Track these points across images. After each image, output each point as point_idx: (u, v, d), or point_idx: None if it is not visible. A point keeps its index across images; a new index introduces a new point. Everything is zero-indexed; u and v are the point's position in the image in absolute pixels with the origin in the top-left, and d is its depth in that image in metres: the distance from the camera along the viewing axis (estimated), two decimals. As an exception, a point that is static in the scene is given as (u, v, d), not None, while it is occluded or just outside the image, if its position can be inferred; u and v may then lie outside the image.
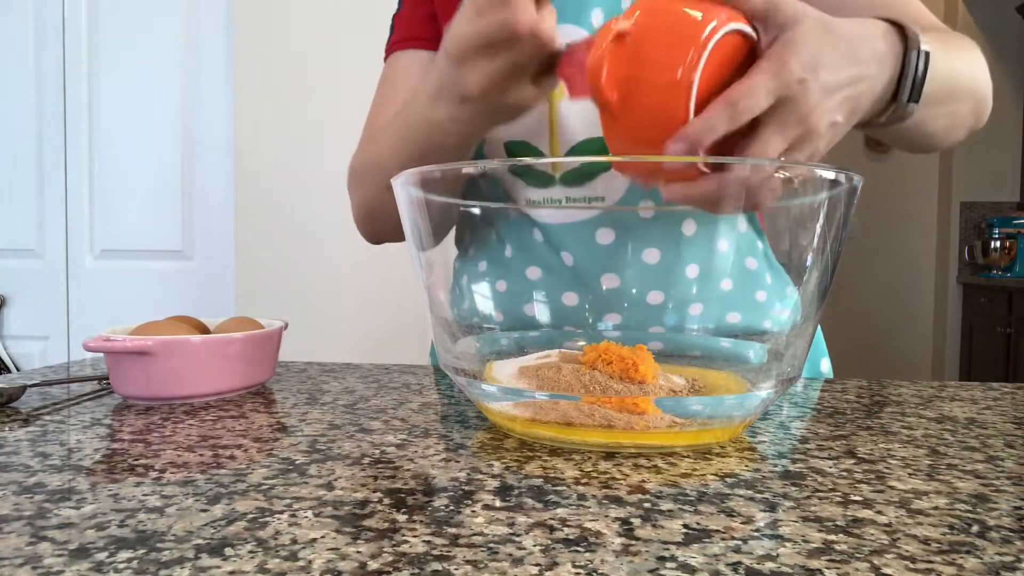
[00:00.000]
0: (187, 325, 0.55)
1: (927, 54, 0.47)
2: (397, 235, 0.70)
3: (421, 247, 0.45)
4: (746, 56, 0.42)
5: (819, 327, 0.71)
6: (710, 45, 0.39)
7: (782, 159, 0.42)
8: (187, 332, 0.53)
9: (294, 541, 0.27)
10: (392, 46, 0.73)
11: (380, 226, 0.70)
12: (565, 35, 0.59)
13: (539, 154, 0.61)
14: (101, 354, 0.72)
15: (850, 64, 0.43)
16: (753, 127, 0.41)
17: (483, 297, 0.61)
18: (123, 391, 0.51)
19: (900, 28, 0.47)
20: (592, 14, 0.59)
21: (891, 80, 0.46)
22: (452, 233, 0.52)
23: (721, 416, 0.39)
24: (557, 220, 0.58)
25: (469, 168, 0.42)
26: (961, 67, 0.55)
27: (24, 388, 0.52)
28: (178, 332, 0.53)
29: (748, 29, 0.42)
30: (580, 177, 0.58)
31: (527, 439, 0.41)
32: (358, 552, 0.26)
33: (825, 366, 0.70)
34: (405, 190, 0.44)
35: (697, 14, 0.40)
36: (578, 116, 0.59)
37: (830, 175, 0.38)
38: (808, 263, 0.41)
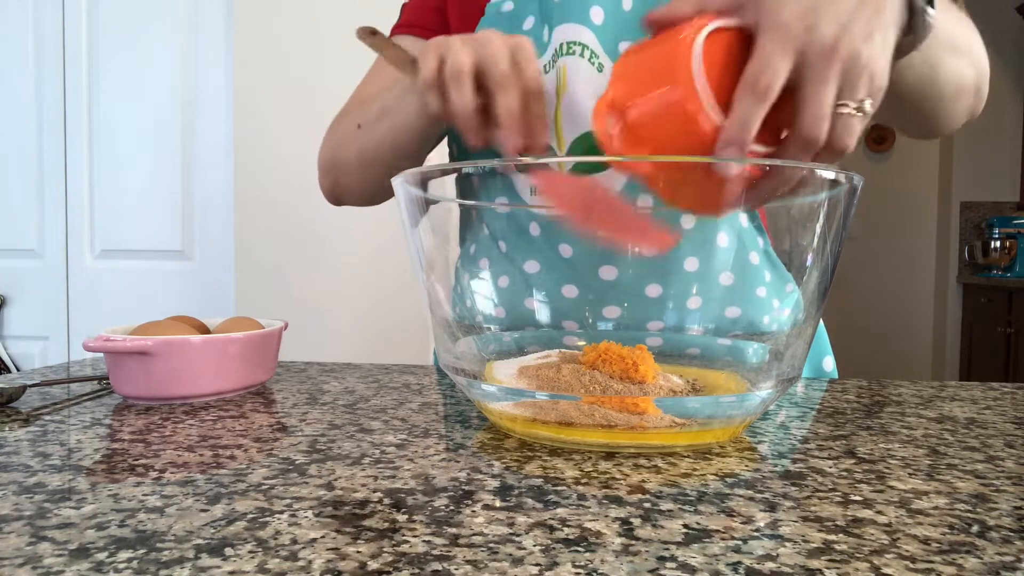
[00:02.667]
0: (187, 325, 0.55)
1: None
2: (353, 195, 0.73)
3: (421, 247, 0.45)
4: (748, 48, 0.41)
5: (823, 325, 0.71)
6: (696, 49, 0.38)
7: (850, 107, 0.40)
8: (187, 332, 0.53)
9: (294, 541, 0.27)
10: (395, 28, 0.76)
11: (336, 183, 0.72)
12: (567, 34, 0.59)
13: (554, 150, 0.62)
14: (101, 354, 0.72)
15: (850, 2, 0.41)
16: (792, 94, 0.40)
17: (484, 294, 0.61)
18: (123, 391, 0.51)
19: None
20: (591, 12, 0.59)
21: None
22: (454, 234, 0.52)
23: (721, 416, 0.39)
24: (556, 213, 0.58)
25: (469, 168, 0.42)
26: (960, 23, 0.55)
27: (24, 388, 0.52)
28: (178, 332, 0.53)
29: (729, 22, 0.40)
30: (584, 171, 0.58)
31: (527, 439, 0.41)
32: (358, 552, 0.26)
33: (829, 364, 0.70)
34: (404, 189, 0.44)
35: (667, 41, 0.40)
36: (582, 108, 0.59)
37: (830, 175, 0.38)
38: (808, 263, 0.41)
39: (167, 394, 0.51)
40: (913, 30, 0.46)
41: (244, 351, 0.53)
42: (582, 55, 0.59)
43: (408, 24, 0.75)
